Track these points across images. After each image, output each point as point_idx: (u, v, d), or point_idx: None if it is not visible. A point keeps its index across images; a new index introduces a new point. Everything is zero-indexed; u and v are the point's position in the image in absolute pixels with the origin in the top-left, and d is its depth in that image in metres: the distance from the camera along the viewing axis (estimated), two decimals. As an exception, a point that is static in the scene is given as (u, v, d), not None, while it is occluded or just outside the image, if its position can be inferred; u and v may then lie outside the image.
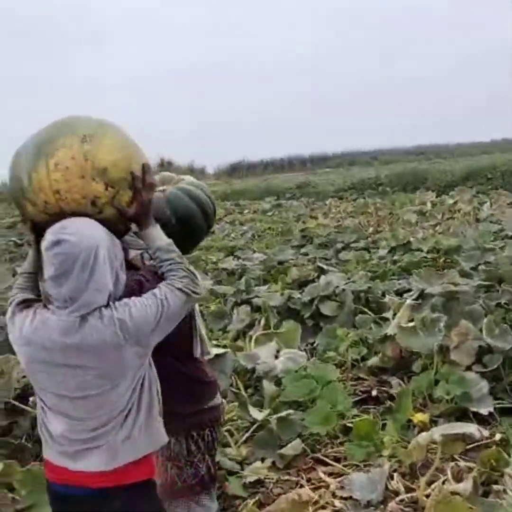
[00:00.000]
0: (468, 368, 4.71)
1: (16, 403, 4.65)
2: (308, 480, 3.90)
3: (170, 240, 2.18)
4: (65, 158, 1.96)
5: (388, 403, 4.87)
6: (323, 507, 3.26)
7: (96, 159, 1.98)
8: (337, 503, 3.39)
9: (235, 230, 16.86)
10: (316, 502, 3.26)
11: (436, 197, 19.46)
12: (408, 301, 5.45)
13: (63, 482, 2.06)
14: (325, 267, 9.03)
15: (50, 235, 1.94)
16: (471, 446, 4.04)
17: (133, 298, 2.01)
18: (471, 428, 3.13)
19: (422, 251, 9.37)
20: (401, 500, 3.40)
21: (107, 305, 1.97)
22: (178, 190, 2.73)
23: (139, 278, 2.26)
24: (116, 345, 1.93)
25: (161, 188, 2.65)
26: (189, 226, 2.60)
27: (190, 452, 2.63)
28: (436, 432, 3.22)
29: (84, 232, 1.94)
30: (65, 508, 2.12)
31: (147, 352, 2.04)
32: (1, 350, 5.00)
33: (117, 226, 2.10)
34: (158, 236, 2.16)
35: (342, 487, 3.68)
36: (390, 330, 5.19)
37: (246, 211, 22.34)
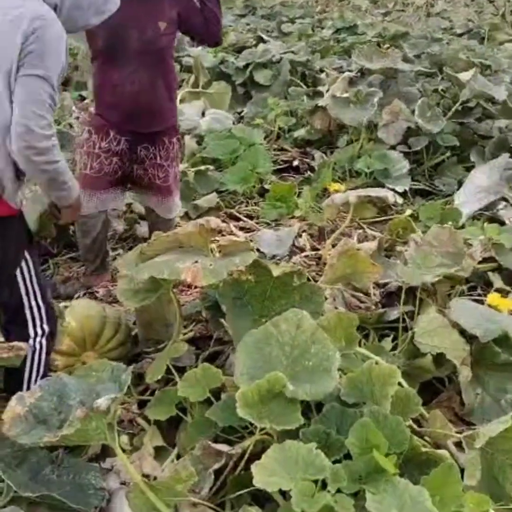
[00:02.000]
0: (393, 148, 4.67)
1: None
2: (219, 232, 3.91)
3: None
4: None
5: (308, 173, 4.85)
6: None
7: None
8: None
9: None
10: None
11: (392, -13, 18.29)
12: (346, 73, 5.20)
13: None
14: (265, 37, 8.47)
15: None
16: (379, 219, 4.15)
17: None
18: (387, 193, 3.13)
19: (367, 35, 8.91)
20: (306, 256, 3.48)
21: None
22: None
23: None
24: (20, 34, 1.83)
25: None
26: None
27: (176, 156, 3.26)
28: (352, 194, 3.20)
29: None
30: None
31: None
32: None
33: None
34: None
35: (251, 241, 3.72)
36: (322, 101, 4.99)
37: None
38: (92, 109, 3.30)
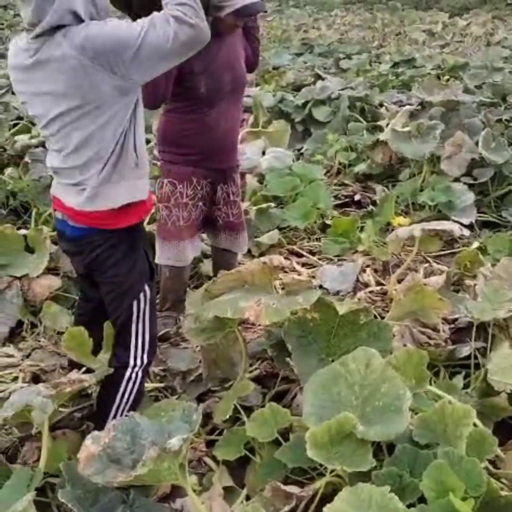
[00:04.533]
0: (457, 180, 4.60)
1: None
2: (282, 269, 3.92)
3: None
4: None
5: (370, 207, 4.82)
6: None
7: None
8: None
9: (231, 33, 15.83)
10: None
11: (449, 18, 18.26)
12: (407, 107, 5.19)
13: (58, 210, 2.17)
14: (323, 74, 8.57)
15: None
16: (445, 252, 4.07)
17: (113, 20, 1.86)
18: (453, 225, 3.07)
19: (426, 67, 8.91)
20: (371, 291, 3.44)
21: (78, 24, 1.83)
22: None
23: None
24: (80, 64, 1.79)
25: None
26: None
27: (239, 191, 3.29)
28: (417, 228, 3.16)
29: None
30: (64, 246, 2.29)
31: (128, 87, 1.89)
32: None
33: None
34: None
35: (313, 277, 3.71)
36: (383, 135, 4.99)
37: (245, 13, 20.88)
38: (161, 160, 3.23)
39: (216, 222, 3.25)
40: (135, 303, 2.24)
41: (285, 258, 4.07)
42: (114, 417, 2.24)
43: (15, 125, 5.47)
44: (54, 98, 1.88)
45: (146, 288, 2.26)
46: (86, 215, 2.07)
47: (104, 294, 2.28)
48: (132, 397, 2.28)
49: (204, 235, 4.25)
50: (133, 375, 2.27)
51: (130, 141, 2.02)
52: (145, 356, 2.29)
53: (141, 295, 2.24)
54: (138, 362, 2.27)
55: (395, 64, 9.78)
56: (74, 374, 2.31)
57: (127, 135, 2.01)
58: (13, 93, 7.11)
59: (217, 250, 3.43)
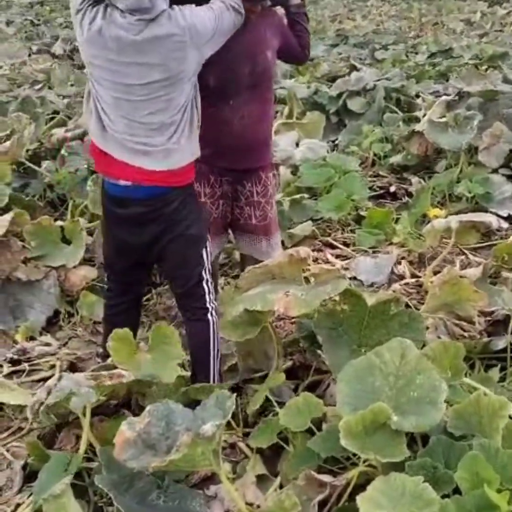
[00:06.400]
0: (495, 171, 4.52)
1: (30, 164, 4.58)
2: (315, 260, 3.91)
3: None
4: None
5: (406, 199, 4.77)
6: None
7: None
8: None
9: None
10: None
11: (488, 7, 17.89)
12: (443, 97, 5.11)
13: (124, 178, 2.32)
14: (358, 65, 8.48)
15: None
16: (482, 245, 4.00)
17: (194, 6, 2.26)
18: (491, 217, 3.02)
19: (463, 57, 8.75)
20: (406, 283, 3.41)
21: (172, 9, 2.19)
22: None
23: None
24: (182, 41, 2.17)
25: None
26: None
27: (274, 193, 3.07)
28: (454, 219, 3.12)
29: None
30: (133, 210, 2.37)
31: (201, 61, 2.29)
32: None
33: None
34: None
35: (347, 269, 3.69)
36: (419, 126, 4.93)
37: (279, 6, 20.81)
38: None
39: (238, 221, 2.97)
40: (204, 252, 2.45)
41: (319, 249, 4.06)
42: (214, 368, 2.44)
43: (51, 118, 5.54)
44: (150, 67, 2.17)
45: (208, 236, 2.51)
46: (158, 175, 2.29)
47: (174, 254, 2.41)
48: (217, 343, 2.44)
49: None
50: (214, 318, 2.44)
51: (195, 105, 2.37)
52: (215, 301, 2.49)
53: (207, 243, 2.48)
54: (212, 304, 2.45)
55: (432, 55, 9.63)
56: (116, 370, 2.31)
57: (194, 100, 2.35)
58: (49, 88, 7.28)
59: (241, 256, 3.20)
